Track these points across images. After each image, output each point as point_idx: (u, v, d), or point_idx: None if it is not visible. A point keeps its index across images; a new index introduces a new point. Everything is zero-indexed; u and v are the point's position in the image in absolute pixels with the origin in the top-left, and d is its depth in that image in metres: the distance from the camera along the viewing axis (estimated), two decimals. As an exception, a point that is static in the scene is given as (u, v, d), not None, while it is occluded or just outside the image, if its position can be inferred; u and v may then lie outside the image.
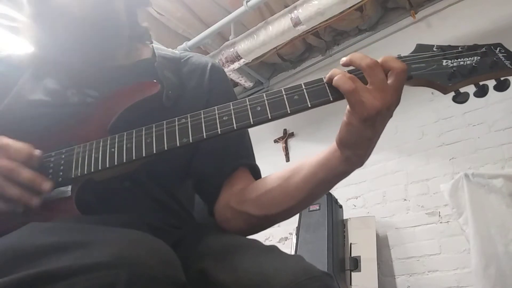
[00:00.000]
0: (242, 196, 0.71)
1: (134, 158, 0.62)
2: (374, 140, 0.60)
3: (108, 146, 0.64)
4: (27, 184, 0.59)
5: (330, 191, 2.66)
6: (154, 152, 0.62)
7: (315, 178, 0.65)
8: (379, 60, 0.57)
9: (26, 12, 0.73)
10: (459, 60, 0.60)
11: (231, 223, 0.72)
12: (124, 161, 0.63)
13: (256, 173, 0.79)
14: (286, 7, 2.88)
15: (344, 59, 0.59)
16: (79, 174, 0.64)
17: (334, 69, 0.58)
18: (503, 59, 0.59)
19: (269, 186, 0.70)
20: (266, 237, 3.25)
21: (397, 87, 0.56)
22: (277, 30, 2.83)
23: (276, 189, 0.68)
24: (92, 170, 0.63)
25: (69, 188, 0.64)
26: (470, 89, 0.60)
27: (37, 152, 0.64)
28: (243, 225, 0.71)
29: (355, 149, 0.60)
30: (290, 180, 0.67)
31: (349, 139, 0.59)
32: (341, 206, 2.76)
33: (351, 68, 0.60)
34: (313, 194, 0.67)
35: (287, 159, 3.54)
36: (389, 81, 0.56)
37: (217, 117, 0.61)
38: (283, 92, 0.60)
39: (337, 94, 0.59)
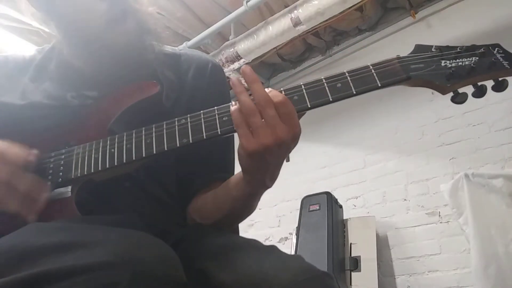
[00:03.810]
0: (196, 204, 0.76)
1: (134, 158, 0.62)
2: (270, 168, 0.59)
3: (108, 146, 0.65)
4: (25, 195, 0.59)
5: (330, 191, 2.67)
6: (154, 152, 0.62)
7: (230, 196, 0.67)
8: None
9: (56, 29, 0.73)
10: (457, 60, 0.60)
11: None
12: (124, 161, 0.63)
13: None
14: (286, 7, 2.87)
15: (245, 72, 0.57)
16: (79, 175, 0.64)
17: (238, 81, 0.57)
18: (501, 60, 0.59)
19: (208, 198, 0.73)
20: (266, 237, 3.25)
21: (287, 122, 0.54)
22: (277, 30, 2.83)
23: (210, 202, 0.72)
24: (92, 170, 0.63)
25: (69, 188, 0.64)
26: (469, 89, 0.60)
27: (34, 155, 0.63)
28: None
29: (251, 174, 0.60)
30: (218, 194, 0.71)
31: (243, 165, 0.59)
32: (341, 206, 2.76)
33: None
34: (233, 209, 0.69)
35: (287, 159, 3.53)
36: (280, 117, 0.54)
37: (217, 118, 0.61)
38: (282, 93, 0.60)
39: (337, 94, 0.59)
